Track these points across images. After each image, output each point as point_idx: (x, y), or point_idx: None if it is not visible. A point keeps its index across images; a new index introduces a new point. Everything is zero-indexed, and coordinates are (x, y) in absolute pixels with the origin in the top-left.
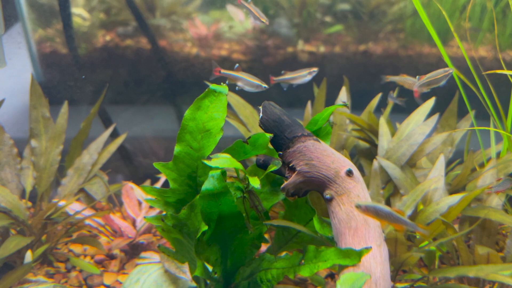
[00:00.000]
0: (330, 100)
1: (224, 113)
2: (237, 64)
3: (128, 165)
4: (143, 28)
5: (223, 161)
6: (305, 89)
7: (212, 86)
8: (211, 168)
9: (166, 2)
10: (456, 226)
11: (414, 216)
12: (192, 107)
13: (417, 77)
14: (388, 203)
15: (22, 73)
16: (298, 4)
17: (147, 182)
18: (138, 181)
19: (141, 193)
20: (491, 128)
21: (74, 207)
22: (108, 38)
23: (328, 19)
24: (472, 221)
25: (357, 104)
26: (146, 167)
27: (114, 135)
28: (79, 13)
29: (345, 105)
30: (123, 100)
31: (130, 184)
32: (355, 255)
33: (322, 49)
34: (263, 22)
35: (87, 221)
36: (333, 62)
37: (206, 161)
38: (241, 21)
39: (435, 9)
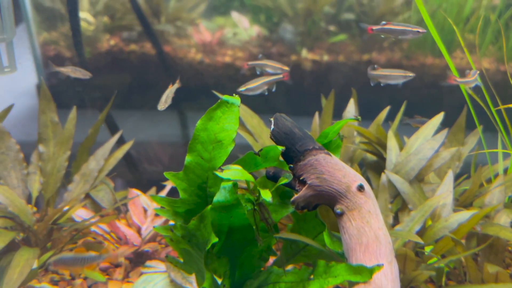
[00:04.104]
0: (335, 109)
1: (236, 124)
2: (260, 55)
3: (133, 171)
4: (148, 33)
5: (234, 173)
6: (311, 98)
7: (225, 97)
8: (221, 179)
9: (171, 8)
10: (463, 242)
11: (422, 231)
12: (204, 118)
13: (382, 22)
14: (396, 217)
15: (26, 76)
16: (303, 13)
17: (152, 190)
18: (143, 188)
19: (147, 200)
20: (499, 150)
21: (80, 213)
22: (112, 42)
23: (332, 28)
24: (479, 237)
25: (360, 113)
26: (151, 173)
27: (119, 141)
28: (84, 17)
29: (356, 119)
30: (127, 105)
31: (136, 191)
32: (367, 272)
33: (326, 57)
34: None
35: (92, 228)
36: (337, 71)
37: (217, 173)
38: (245, 28)
39: (438, 21)
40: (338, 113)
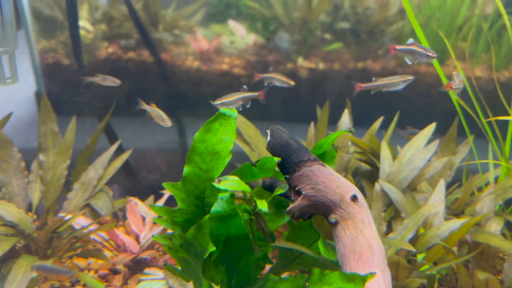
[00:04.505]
0: (330, 117)
1: (233, 136)
2: (270, 68)
3: (132, 179)
4: (146, 41)
5: (232, 183)
6: (307, 106)
7: (222, 109)
8: (219, 190)
9: (169, 16)
10: (454, 249)
11: (414, 239)
12: (202, 129)
13: (373, 78)
14: (389, 226)
15: (25, 83)
16: (299, 21)
17: (151, 198)
18: (141, 196)
19: (145, 208)
20: (490, 161)
21: (80, 221)
22: (110, 50)
23: (328, 36)
24: (471, 244)
25: (355, 120)
26: (150, 181)
27: (118, 149)
28: (83, 26)
29: (350, 131)
30: (125, 113)
31: (134, 200)
32: (360, 280)
33: (321, 65)
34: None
35: (92, 236)
36: (333, 79)
37: (215, 184)
38: (242, 36)
39: (432, 30)
40: (334, 121)
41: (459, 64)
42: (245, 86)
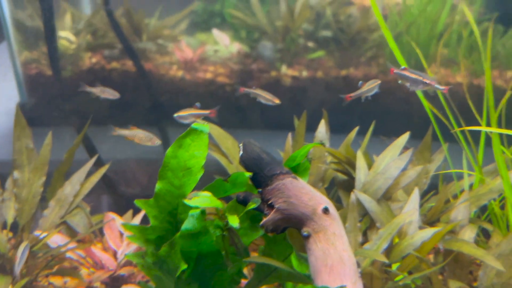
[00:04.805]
0: (315, 124)
1: (205, 151)
2: (253, 86)
3: (112, 192)
4: (128, 51)
5: (203, 200)
6: (291, 114)
7: (194, 125)
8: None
9: (152, 26)
10: (431, 256)
11: (389, 249)
12: (174, 145)
13: (359, 82)
14: (365, 236)
15: (8, 95)
16: (282, 30)
17: (129, 213)
18: (122, 209)
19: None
20: (464, 171)
21: (55, 239)
22: (94, 60)
23: (310, 44)
24: (446, 252)
25: (340, 127)
26: (130, 195)
27: (97, 162)
28: (66, 36)
29: (322, 144)
30: (108, 123)
31: (112, 215)
32: None
33: (305, 73)
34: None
35: (68, 254)
36: (316, 86)
37: (186, 201)
38: (225, 45)
39: (412, 36)
40: (315, 128)
41: (441, 70)
42: (197, 104)
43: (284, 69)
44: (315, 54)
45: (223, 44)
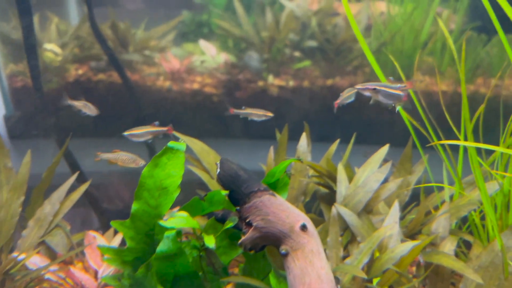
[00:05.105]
0: (301, 133)
1: (181, 170)
2: (243, 107)
3: (95, 209)
4: (113, 63)
5: (179, 220)
6: (278, 123)
7: (170, 143)
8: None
9: (139, 37)
10: (414, 268)
11: (370, 263)
12: (150, 164)
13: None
14: (346, 249)
15: None
16: (268, 40)
17: (111, 231)
18: (106, 227)
19: (104, 242)
20: (445, 185)
21: (35, 260)
22: (80, 72)
23: (297, 54)
24: (427, 265)
25: (326, 136)
26: (113, 210)
27: (80, 177)
28: (51, 48)
29: (299, 160)
30: (94, 135)
31: (93, 233)
32: None
33: (291, 83)
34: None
35: (47, 275)
36: (302, 96)
37: (161, 222)
38: (212, 55)
39: (397, 45)
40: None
41: (426, 79)
42: (156, 122)
43: (271, 79)
44: (301, 64)
45: (210, 55)
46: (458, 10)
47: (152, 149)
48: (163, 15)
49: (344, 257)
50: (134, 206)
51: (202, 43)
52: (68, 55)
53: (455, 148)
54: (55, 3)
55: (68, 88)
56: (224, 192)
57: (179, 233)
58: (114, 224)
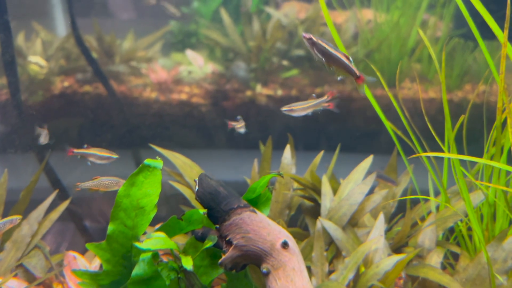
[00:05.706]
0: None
1: (158, 189)
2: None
3: (78, 226)
4: (97, 74)
5: (155, 242)
6: (266, 132)
7: (147, 161)
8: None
9: (124, 48)
10: (402, 281)
11: (356, 279)
12: (126, 183)
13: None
14: (332, 263)
15: None
16: (255, 50)
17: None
18: (83, 247)
19: (85, 263)
20: (431, 198)
21: (12, 284)
22: (66, 84)
23: (285, 63)
24: (414, 279)
25: (315, 144)
26: (96, 228)
27: (62, 194)
28: (36, 61)
29: (279, 175)
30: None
31: (73, 254)
32: None
33: (279, 92)
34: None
35: None
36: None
37: (137, 244)
38: (200, 65)
39: (385, 54)
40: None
41: (413, 86)
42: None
43: (259, 88)
44: (289, 73)
45: (197, 65)
46: (444, 17)
47: (138, 160)
48: (152, 25)
49: (330, 272)
50: (110, 227)
51: (189, 53)
52: (54, 67)
53: (440, 157)
54: (42, 15)
55: (54, 101)
56: (203, 211)
57: (155, 255)
58: (89, 246)
